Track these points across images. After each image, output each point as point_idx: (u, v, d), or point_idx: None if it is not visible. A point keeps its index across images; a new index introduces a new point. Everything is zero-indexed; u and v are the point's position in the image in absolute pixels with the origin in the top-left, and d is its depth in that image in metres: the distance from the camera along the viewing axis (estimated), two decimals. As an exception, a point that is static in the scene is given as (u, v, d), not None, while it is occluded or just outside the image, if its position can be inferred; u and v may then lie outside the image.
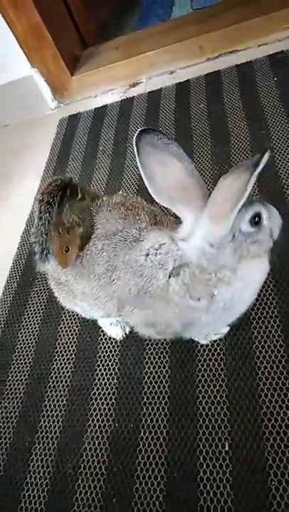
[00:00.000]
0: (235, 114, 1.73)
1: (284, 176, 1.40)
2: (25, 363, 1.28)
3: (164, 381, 1.08)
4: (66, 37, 2.31)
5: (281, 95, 1.70)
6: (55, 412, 1.14)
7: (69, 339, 1.28)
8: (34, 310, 1.41)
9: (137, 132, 0.75)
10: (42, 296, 1.45)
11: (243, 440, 0.94)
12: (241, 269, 0.81)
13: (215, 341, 1.10)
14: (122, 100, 2.16)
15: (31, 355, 1.30)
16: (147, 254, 0.85)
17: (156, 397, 1.07)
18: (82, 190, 1.01)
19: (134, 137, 0.75)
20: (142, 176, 0.77)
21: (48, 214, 0.92)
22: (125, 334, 1.21)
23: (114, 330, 1.21)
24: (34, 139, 2.30)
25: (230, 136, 1.65)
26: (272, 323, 1.09)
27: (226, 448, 0.94)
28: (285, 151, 1.48)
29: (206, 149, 1.65)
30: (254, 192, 1.36)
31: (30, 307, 1.43)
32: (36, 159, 2.11)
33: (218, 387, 1.03)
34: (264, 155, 0.66)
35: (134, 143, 0.76)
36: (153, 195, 0.78)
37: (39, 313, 1.40)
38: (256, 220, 0.77)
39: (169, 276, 0.83)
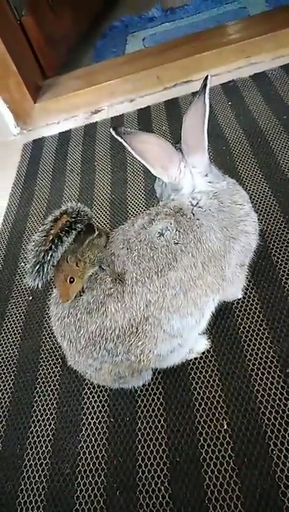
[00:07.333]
0: (196, 133, 1.87)
1: (245, 187, 1.53)
2: (9, 373, 1.24)
3: (156, 372, 1.10)
4: (29, 68, 2.40)
5: (236, 116, 1.88)
6: (46, 415, 1.11)
7: (54, 344, 1.26)
8: (14, 320, 1.39)
9: (111, 129, 0.94)
10: (21, 307, 1.43)
11: (240, 417, 0.97)
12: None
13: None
14: (85, 125, 2.26)
15: (14, 364, 1.26)
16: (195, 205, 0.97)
17: (150, 388, 1.08)
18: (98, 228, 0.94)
19: (113, 133, 0.93)
20: (139, 159, 0.96)
21: (55, 249, 0.85)
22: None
23: (202, 341, 1.11)
24: (-3, 163, 2.31)
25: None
26: (253, 309, 1.16)
27: (225, 426, 0.97)
28: (245, 163, 1.62)
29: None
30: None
31: (8, 319, 1.40)
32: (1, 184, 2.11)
33: (210, 372, 1.07)
34: (206, 79, 0.89)
35: (116, 136, 0.93)
36: (151, 170, 0.98)
37: (19, 323, 1.37)
38: None
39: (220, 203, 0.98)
